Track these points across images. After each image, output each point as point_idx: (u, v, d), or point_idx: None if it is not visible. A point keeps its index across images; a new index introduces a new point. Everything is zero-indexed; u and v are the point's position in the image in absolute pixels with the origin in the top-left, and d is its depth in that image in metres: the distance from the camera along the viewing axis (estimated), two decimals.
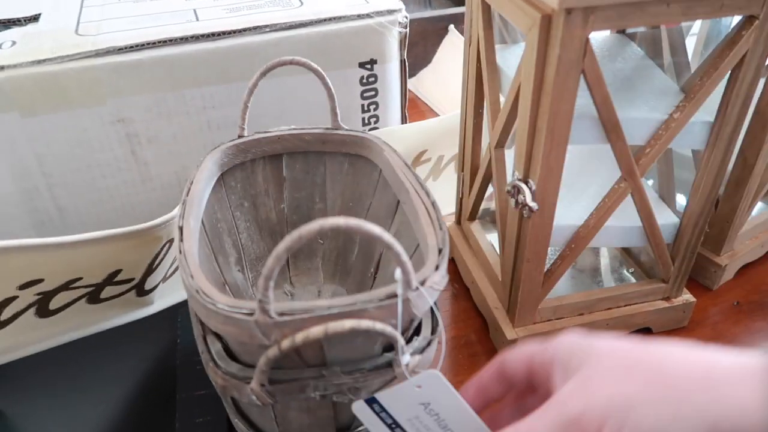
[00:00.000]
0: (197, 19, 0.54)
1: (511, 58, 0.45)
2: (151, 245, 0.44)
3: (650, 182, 0.53)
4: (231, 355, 0.33)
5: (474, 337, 0.51)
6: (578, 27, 0.33)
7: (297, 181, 0.47)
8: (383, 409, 0.32)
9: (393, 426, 0.32)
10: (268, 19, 0.53)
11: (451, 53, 0.89)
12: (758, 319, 0.51)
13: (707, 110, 0.40)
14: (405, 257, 0.28)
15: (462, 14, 0.90)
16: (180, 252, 0.33)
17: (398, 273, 0.29)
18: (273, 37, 0.53)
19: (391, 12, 0.55)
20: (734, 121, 0.40)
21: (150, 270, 0.45)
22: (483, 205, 0.55)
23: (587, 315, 0.47)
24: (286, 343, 0.28)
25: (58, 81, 0.47)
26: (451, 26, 0.90)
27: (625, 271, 0.55)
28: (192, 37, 0.51)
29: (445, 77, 0.87)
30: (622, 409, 0.24)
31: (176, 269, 0.49)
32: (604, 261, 0.57)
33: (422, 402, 0.31)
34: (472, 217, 0.55)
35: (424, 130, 0.58)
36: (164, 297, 0.50)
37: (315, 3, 0.56)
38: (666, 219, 0.46)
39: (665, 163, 0.48)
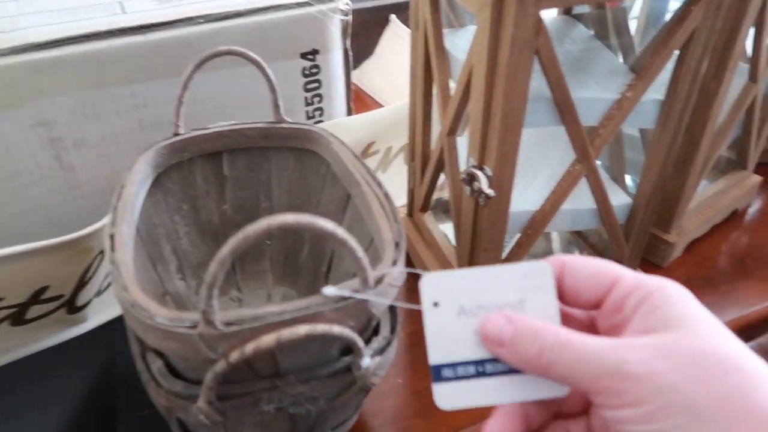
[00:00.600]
0: (124, 12, 0.50)
1: (460, 42, 0.43)
2: (81, 258, 0.40)
3: (598, 163, 0.53)
4: (174, 372, 0.30)
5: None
6: (531, 5, 0.31)
7: (240, 180, 0.44)
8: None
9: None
10: (201, 10, 0.50)
11: (394, 44, 0.87)
12: (708, 294, 0.51)
13: (657, 89, 0.40)
14: (361, 254, 0.26)
15: (403, 4, 0.88)
16: (112, 263, 0.30)
17: (329, 290, 0.26)
18: (207, 29, 0.49)
19: None
20: (684, 98, 0.40)
21: (81, 285, 0.41)
22: (435, 195, 0.53)
23: None
24: (234, 356, 0.26)
25: None
26: (393, 16, 0.88)
27: (578, 254, 0.54)
28: (119, 30, 0.47)
29: (388, 68, 0.85)
30: None
31: (110, 282, 0.46)
32: (556, 246, 0.56)
33: (519, 288, 0.27)
34: (425, 208, 0.53)
35: (372, 122, 0.56)
36: (100, 313, 0.46)
37: None
38: (619, 200, 0.45)
39: (616, 143, 0.47)
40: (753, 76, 0.50)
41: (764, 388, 0.21)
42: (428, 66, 0.45)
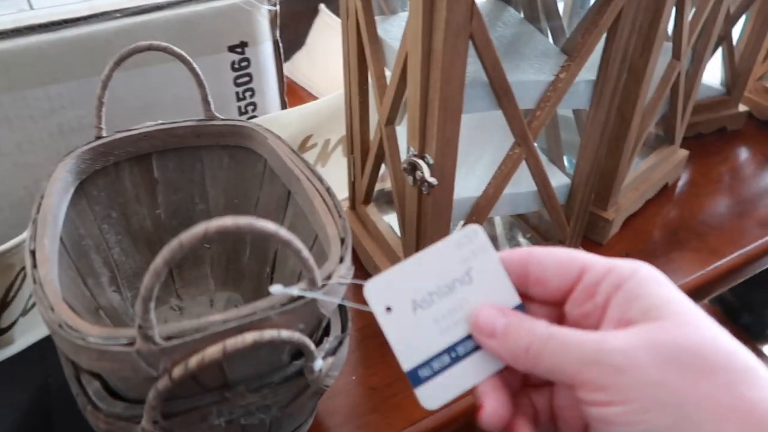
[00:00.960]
0: (31, 7, 0.47)
1: (393, 30, 0.42)
2: (1, 276, 0.37)
3: (536, 146, 0.53)
4: (113, 393, 0.28)
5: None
6: None
7: (172, 182, 0.42)
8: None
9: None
10: (117, 3, 0.47)
11: (325, 34, 0.85)
12: None
13: (589, 69, 0.40)
14: (306, 253, 0.25)
15: None
16: (34, 281, 0.28)
17: (276, 288, 0.25)
18: (126, 24, 0.47)
19: None
20: (615, 78, 0.40)
21: (4, 305, 0.38)
22: (377, 186, 0.52)
23: None
24: (178, 371, 0.24)
25: None
26: (322, 5, 0.86)
27: (521, 237, 0.55)
28: (26, 28, 0.44)
29: (320, 59, 0.83)
30: None
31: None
32: (500, 230, 0.57)
33: (462, 260, 0.26)
34: (367, 200, 0.52)
35: (308, 115, 0.54)
36: (27, 333, 0.43)
37: None
38: (559, 181, 0.46)
39: (552, 125, 0.48)
40: (676, 54, 0.51)
41: (752, 384, 0.21)
42: (362, 55, 0.44)
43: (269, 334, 0.25)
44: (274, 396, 0.29)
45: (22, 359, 0.43)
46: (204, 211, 0.43)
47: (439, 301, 0.25)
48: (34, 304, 0.42)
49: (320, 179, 0.35)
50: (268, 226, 0.23)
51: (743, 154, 0.68)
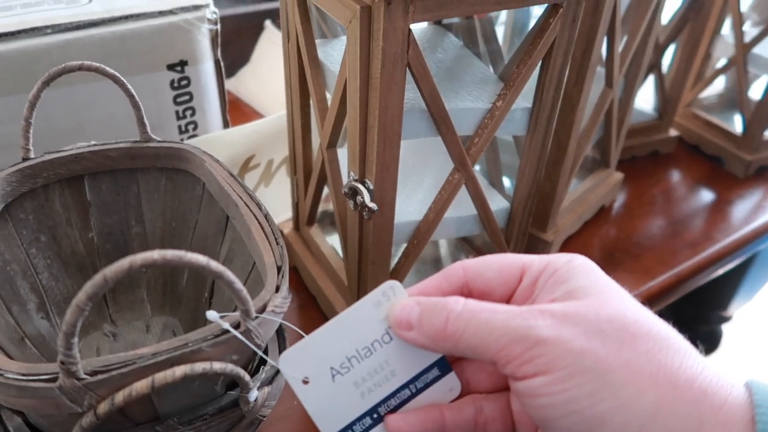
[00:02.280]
0: None
1: (334, 53, 0.42)
2: None
3: (477, 168, 0.54)
4: (35, 429, 0.27)
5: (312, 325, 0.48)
6: (399, 18, 0.31)
7: (106, 205, 0.41)
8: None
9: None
10: (49, 19, 0.45)
11: (270, 50, 0.85)
12: None
13: (525, 97, 0.41)
14: (239, 285, 0.24)
15: (276, 10, 0.86)
16: None
17: (212, 314, 0.25)
18: (58, 40, 0.45)
19: (197, 8, 0.50)
20: (550, 105, 0.41)
21: None
22: (321, 207, 0.52)
23: None
24: (103, 407, 0.24)
25: None
26: (268, 22, 0.86)
27: (465, 258, 0.56)
28: None
29: (266, 76, 0.83)
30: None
31: None
32: (444, 251, 0.58)
33: (382, 318, 0.26)
34: (311, 221, 0.52)
35: (250, 134, 0.54)
36: None
37: (105, 0, 0.49)
38: (498, 204, 0.47)
39: (491, 150, 0.49)
40: (609, 82, 0.53)
41: (670, 352, 0.22)
42: (303, 78, 0.44)
43: (200, 366, 0.24)
44: (207, 428, 0.28)
45: None
46: (140, 234, 0.42)
47: (358, 364, 0.25)
48: None
49: (258, 205, 0.35)
50: (199, 259, 0.22)
51: (675, 176, 0.71)
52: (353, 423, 0.25)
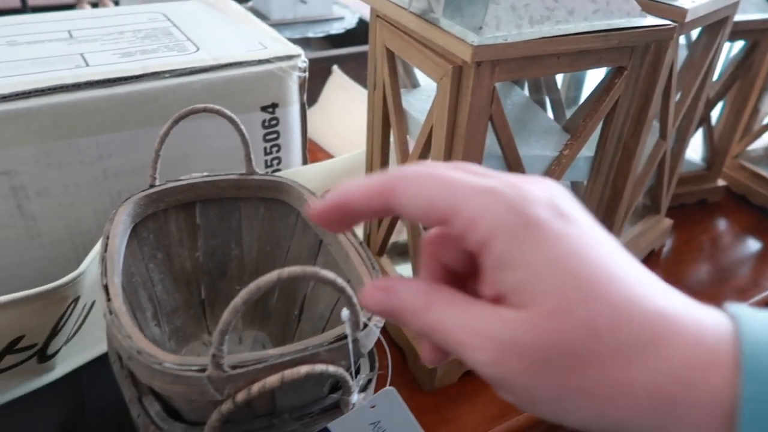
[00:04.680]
0: (87, 65, 0.52)
1: (415, 102, 0.48)
2: (56, 306, 0.41)
3: None
4: (171, 415, 0.31)
5: (393, 370, 0.52)
6: (486, 77, 0.36)
7: (211, 228, 0.46)
8: None
9: None
10: (166, 64, 0.52)
11: (336, 93, 0.91)
12: None
13: (588, 147, 0.46)
14: (355, 300, 0.29)
15: (343, 56, 0.94)
16: (110, 313, 0.32)
17: (345, 313, 0.30)
18: (172, 83, 0.52)
19: (290, 57, 0.56)
20: (610, 155, 0.46)
21: (54, 333, 0.42)
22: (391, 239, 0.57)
23: None
24: (241, 396, 0.28)
25: None
26: (335, 67, 0.92)
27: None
28: (85, 83, 0.49)
29: (331, 116, 0.89)
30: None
31: (78, 329, 0.46)
32: None
33: (373, 422, 0.31)
34: (381, 252, 0.57)
35: (328, 170, 0.59)
36: (66, 360, 0.46)
37: (211, 49, 0.56)
38: None
39: None
40: (663, 134, 0.57)
41: (625, 364, 0.20)
42: (386, 122, 0.49)
43: (320, 367, 0.29)
44: (313, 425, 0.32)
45: (57, 386, 0.46)
46: (238, 256, 0.47)
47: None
48: (74, 334, 0.46)
49: (353, 233, 0.39)
50: (328, 274, 0.27)
51: (722, 224, 0.74)
52: None
